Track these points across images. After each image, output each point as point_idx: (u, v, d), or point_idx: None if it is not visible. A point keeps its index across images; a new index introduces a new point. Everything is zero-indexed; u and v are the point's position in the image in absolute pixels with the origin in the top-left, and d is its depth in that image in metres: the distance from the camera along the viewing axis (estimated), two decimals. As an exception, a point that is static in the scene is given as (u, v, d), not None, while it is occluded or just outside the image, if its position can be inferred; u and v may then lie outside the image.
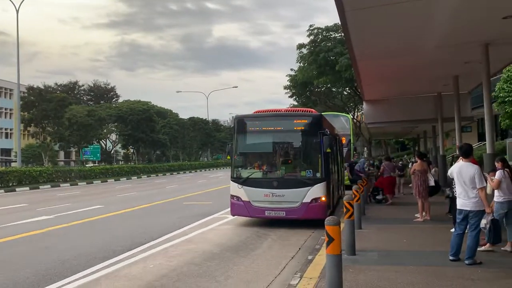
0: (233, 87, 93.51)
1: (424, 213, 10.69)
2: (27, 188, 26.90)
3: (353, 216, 7.12)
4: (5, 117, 59.10)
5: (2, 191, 24.89)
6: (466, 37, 9.17)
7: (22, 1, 31.53)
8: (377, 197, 14.42)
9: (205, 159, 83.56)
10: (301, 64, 34.99)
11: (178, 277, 6.44)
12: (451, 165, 9.45)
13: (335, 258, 4.37)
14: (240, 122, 11.26)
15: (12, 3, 31.63)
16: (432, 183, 10.77)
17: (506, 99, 23.22)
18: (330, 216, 4.74)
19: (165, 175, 46.75)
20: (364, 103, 19.77)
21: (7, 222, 12.11)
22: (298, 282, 5.64)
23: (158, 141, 57.36)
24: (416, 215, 10.84)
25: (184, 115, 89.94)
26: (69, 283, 6.23)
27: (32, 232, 10.47)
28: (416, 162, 11.07)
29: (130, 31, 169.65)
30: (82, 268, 7.00)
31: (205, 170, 60.24)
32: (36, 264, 7.37)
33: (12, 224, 11.77)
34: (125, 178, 38.96)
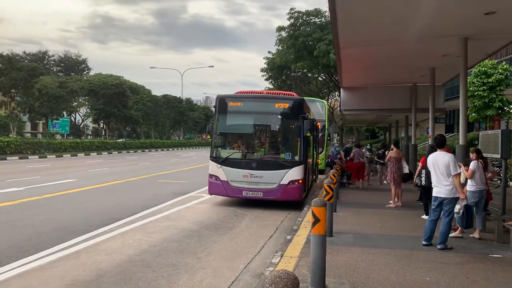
0: (209, 66, 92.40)
1: (396, 199, 11.05)
2: (-7, 159, 26.07)
3: (332, 199, 7.30)
4: (-31, 84, 56.51)
5: (-33, 160, 24.06)
6: (447, 30, 9.40)
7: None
8: (343, 180, 14.78)
9: (177, 138, 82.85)
10: (280, 47, 34.90)
11: (159, 252, 6.49)
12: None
13: (320, 238, 4.51)
14: (222, 102, 11.24)
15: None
16: (406, 170, 11.12)
17: (476, 93, 24.10)
18: (317, 198, 4.87)
19: (137, 152, 46.19)
20: (341, 89, 19.99)
21: (-24, 193, 11.78)
22: (279, 260, 5.78)
23: (130, 117, 56.48)
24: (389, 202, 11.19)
25: (156, 92, 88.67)
26: (48, 255, 6.17)
27: (4, 203, 10.24)
28: (392, 149, 11.37)
29: (103, 2, 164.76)
30: (61, 241, 6.94)
31: (177, 149, 59.78)
32: (11, 236, 7.25)
33: (-19, 195, 11.46)
34: (95, 153, 38.27)
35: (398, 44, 10.69)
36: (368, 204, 11.34)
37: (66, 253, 6.31)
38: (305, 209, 10.03)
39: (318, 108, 21.82)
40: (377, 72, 15.25)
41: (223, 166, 10.82)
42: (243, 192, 10.64)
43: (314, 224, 4.53)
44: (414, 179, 9.51)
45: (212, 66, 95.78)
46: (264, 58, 40.12)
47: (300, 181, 10.49)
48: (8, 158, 27.28)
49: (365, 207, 10.89)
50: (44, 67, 56.22)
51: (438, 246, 6.59)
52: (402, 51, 11.44)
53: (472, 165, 7.31)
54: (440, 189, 6.66)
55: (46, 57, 61.78)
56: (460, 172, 6.68)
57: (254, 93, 12.01)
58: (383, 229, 8.25)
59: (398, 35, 9.77)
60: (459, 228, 7.29)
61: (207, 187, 11.50)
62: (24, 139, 34.82)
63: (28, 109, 43.07)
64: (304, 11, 32.56)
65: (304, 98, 12.40)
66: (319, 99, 27.10)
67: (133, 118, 57.15)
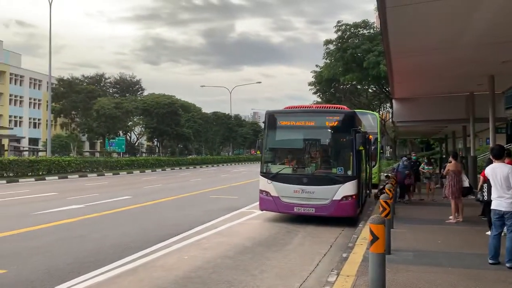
0: (257, 82, 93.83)
1: (456, 214, 10.50)
2: (56, 177, 27.57)
3: (389, 215, 7.04)
4: (34, 107, 60.51)
5: (33, 179, 25.60)
6: (507, 35, 8.92)
7: (55, -6, 32.16)
8: (398, 199, 14.30)
9: (227, 153, 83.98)
10: (328, 60, 34.73)
11: (214, 269, 6.51)
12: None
13: (379, 257, 4.34)
14: (271, 118, 11.25)
15: (45, -4, 32.30)
16: (466, 184, 10.57)
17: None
18: (375, 215, 4.71)
19: (188, 168, 47.20)
20: (393, 101, 19.45)
21: (41, 210, 12.45)
22: (336, 279, 5.62)
23: (182, 135, 57.96)
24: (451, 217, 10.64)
25: (206, 109, 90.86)
26: (107, 271, 6.36)
27: (66, 221, 10.73)
28: (451, 162, 10.86)
29: (155, 25, 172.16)
30: (119, 257, 7.14)
31: (227, 165, 60.53)
32: (74, 252, 7.56)
33: (45, 212, 12.09)
34: (150, 170, 39.53)
35: (453, 52, 10.27)
36: (426, 220, 10.85)
37: (125, 269, 6.48)
38: (360, 225, 9.75)
39: (369, 121, 21.36)
40: (431, 81, 14.72)
41: (273, 182, 10.77)
42: (295, 208, 10.51)
43: (372, 242, 4.37)
44: (477, 194, 9.00)
45: (260, 82, 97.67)
46: (311, 72, 40.11)
47: (354, 196, 10.23)
48: (69, 176, 28.76)
49: (424, 223, 10.43)
50: (101, 89, 59.21)
51: (507, 265, 6.14)
52: (458, 59, 10.98)
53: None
54: (500, 202, 6.28)
55: (103, 79, 64.88)
56: None
57: (303, 107, 11.94)
58: (445, 246, 7.83)
59: (454, 43, 9.39)
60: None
61: (258, 203, 11.48)
62: (84, 158, 36.63)
63: (87, 129, 45.43)
64: (351, 24, 32.30)
65: (355, 110, 12.18)
66: (371, 111, 26.54)
67: (184, 135, 58.66)
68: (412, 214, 11.89)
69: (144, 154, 65.86)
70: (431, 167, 16.33)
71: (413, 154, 19.80)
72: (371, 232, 4.36)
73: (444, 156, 29.26)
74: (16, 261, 6.84)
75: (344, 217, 10.38)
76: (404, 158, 16.33)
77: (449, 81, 14.54)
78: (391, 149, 48.04)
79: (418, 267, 6.26)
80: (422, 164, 16.84)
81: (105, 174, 32.79)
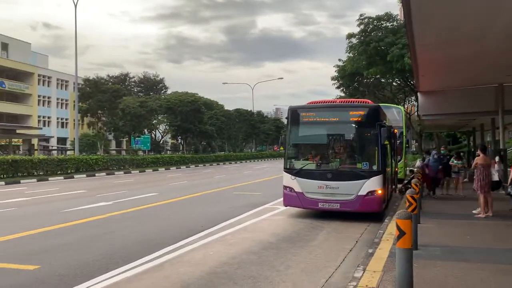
0: (279, 78, 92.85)
1: (486, 209, 10.24)
2: (84, 175, 28.23)
3: (416, 210, 6.93)
4: (62, 107, 61.94)
5: (62, 177, 26.28)
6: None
7: (79, -4, 32.84)
8: (428, 193, 14.13)
9: (250, 150, 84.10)
10: (350, 54, 34.30)
11: (239, 264, 6.56)
12: None
13: (406, 252, 4.29)
14: (294, 113, 11.21)
15: (70, -2, 33.02)
16: (496, 177, 10.32)
17: None
18: (401, 210, 4.65)
19: (212, 165, 47.56)
20: (418, 94, 19.11)
21: (71, 207, 12.77)
22: (362, 275, 5.58)
23: (206, 132, 58.35)
24: (473, 211, 10.41)
25: (228, 106, 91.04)
26: (135, 267, 6.48)
27: (95, 218, 10.98)
28: (479, 156, 10.60)
29: (177, 24, 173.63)
30: (146, 253, 7.27)
31: (250, 161, 60.68)
32: (103, 248, 7.74)
33: (75, 209, 12.40)
34: (174, 167, 40.01)
35: (482, 43, 9.99)
36: (453, 215, 10.63)
37: (152, 265, 6.59)
38: (385, 221, 9.63)
39: (394, 115, 21.03)
40: (457, 74, 14.36)
41: (297, 178, 10.74)
42: (319, 203, 10.46)
43: (399, 237, 4.32)
44: (507, 188, 8.78)
45: (282, 78, 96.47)
46: (334, 66, 39.62)
47: (379, 191, 10.10)
48: (96, 174, 29.41)
49: (451, 217, 10.22)
50: (126, 88, 60.15)
51: (540, 261, 5.98)
52: (486, 50, 10.66)
53: None
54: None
55: (128, 78, 65.87)
56: None
57: (326, 102, 11.84)
58: (474, 242, 7.67)
59: (482, 33, 9.13)
60: None
61: (281, 199, 11.49)
62: (110, 156, 37.34)
63: (113, 128, 46.25)
64: (374, 17, 31.74)
65: (380, 104, 12.01)
66: (395, 105, 26.12)
67: (208, 132, 59.04)
68: (440, 208, 11.67)
69: (168, 152, 66.63)
70: (460, 162, 15.86)
71: (443, 148, 19.35)
72: (398, 227, 4.31)
73: (472, 150, 28.52)
74: (48, 257, 7.05)
75: (369, 213, 10.27)
76: (434, 152, 16.01)
77: (477, 72, 14.16)
78: (416, 143, 47.16)
79: (446, 263, 6.16)
80: (452, 159, 16.45)
81: (132, 171, 33.38)
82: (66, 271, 6.28)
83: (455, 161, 15.64)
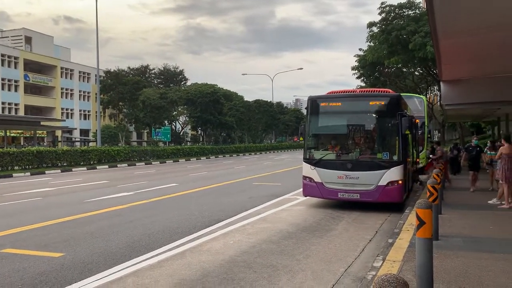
0: (298, 69, 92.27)
1: (510, 200, 10.05)
2: (106, 166, 28.75)
3: (437, 200, 6.85)
4: (84, 99, 63.01)
5: (85, 168, 26.83)
6: None
7: (100, -11, 33.20)
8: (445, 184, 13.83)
9: (269, 141, 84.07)
10: (371, 43, 33.87)
11: (258, 253, 6.62)
12: None
13: (426, 242, 4.25)
14: (314, 103, 11.16)
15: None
16: (521, 168, 10.06)
17: None
18: (421, 199, 4.61)
19: (232, 156, 47.76)
20: (441, 83, 18.70)
21: (94, 197, 13.06)
22: (381, 264, 5.56)
23: (225, 123, 58.54)
24: (489, 201, 10.19)
25: (248, 97, 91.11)
26: (156, 255, 6.61)
27: (117, 207, 11.20)
28: (503, 145, 10.37)
29: (196, 15, 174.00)
30: (167, 241, 7.40)
31: (269, 152, 60.71)
32: (125, 236, 7.90)
33: (98, 199, 12.67)
34: (194, 159, 40.35)
35: (508, 29, 9.71)
36: (475, 206, 10.46)
37: (173, 253, 6.70)
38: (406, 211, 9.55)
39: (416, 104, 20.67)
40: (482, 62, 14.00)
41: (317, 168, 10.72)
42: (339, 193, 10.43)
43: (419, 227, 4.28)
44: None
45: (301, 69, 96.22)
46: (354, 56, 39.19)
47: (400, 181, 10.00)
48: (118, 165, 29.92)
49: (472, 208, 10.07)
50: (146, 80, 60.72)
51: None
52: None
53: None
54: None
55: (148, 70, 66.44)
56: None
57: (346, 92, 11.73)
58: (497, 232, 7.54)
59: (508, 19, 8.87)
60: None
61: (301, 189, 11.49)
62: (132, 148, 37.91)
63: (134, 119, 46.85)
64: (396, 4, 31.24)
65: (401, 94, 11.83)
66: (417, 95, 25.67)
67: (227, 124, 59.22)
68: (461, 199, 11.51)
69: (188, 143, 67.17)
70: (494, 153, 13.49)
71: (475, 138, 18.34)
72: (418, 217, 4.27)
73: (496, 140, 27.79)
74: (73, 245, 7.24)
75: (390, 203, 10.20)
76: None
77: (503, 61, 13.79)
78: (439, 134, 46.36)
79: (468, 253, 6.08)
80: (485, 149, 15.22)
81: (152, 162, 33.82)
82: (90, 258, 6.45)
83: (489, 152, 14.25)
